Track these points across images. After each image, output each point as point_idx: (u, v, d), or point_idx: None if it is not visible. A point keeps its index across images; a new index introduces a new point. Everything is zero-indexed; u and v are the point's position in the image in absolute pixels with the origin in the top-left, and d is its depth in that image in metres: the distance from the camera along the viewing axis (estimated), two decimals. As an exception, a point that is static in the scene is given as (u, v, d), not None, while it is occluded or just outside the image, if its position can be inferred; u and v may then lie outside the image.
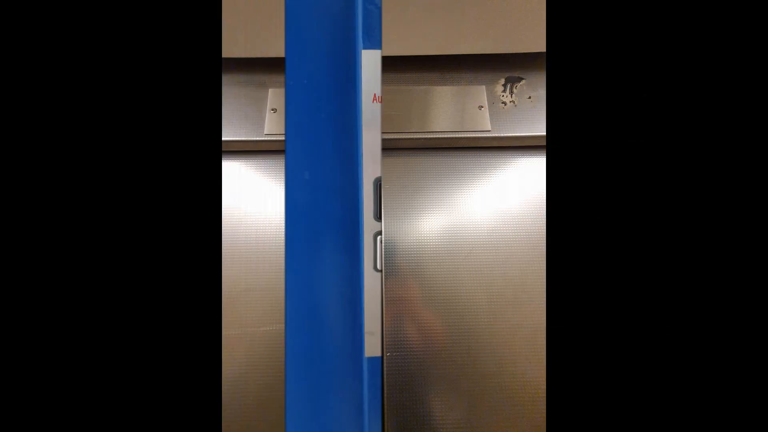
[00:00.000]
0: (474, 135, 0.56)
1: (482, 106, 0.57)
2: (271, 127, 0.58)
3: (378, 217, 0.36)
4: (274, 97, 0.60)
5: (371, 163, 0.35)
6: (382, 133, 0.35)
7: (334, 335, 0.42)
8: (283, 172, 0.63)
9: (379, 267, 0.38)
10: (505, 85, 0.59)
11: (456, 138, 0.56)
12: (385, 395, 0.52)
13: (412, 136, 0.56)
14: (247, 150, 0.60)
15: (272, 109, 0.59)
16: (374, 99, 0.33)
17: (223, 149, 0.59)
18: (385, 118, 0.57)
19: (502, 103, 0.58)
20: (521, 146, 0.59)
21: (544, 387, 0.53)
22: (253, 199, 0.60)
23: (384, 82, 0.34)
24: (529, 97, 0.58)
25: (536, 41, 0.52)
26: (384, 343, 0.46)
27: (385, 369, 0.52)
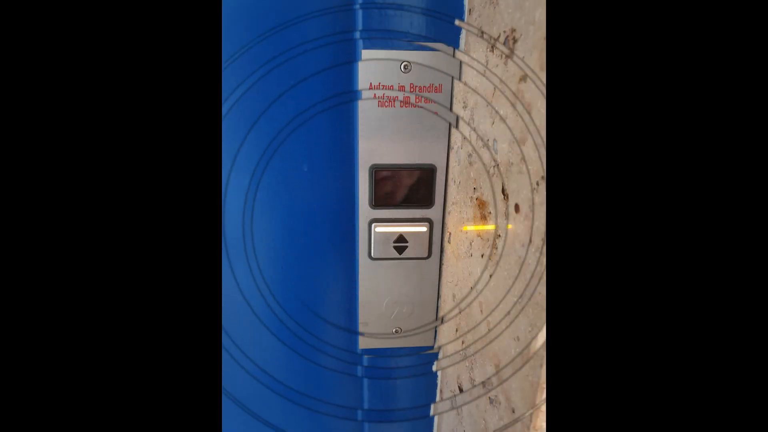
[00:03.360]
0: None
1: None
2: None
3: (373, 204, 0.37)
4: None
5: (367, 153, 0.35)
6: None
7: (329, 326, 0.41)
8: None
9: (374, 255, 0.38)
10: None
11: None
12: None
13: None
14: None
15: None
16: (374, 98, 0.34)
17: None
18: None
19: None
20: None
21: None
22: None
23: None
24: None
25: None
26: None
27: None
